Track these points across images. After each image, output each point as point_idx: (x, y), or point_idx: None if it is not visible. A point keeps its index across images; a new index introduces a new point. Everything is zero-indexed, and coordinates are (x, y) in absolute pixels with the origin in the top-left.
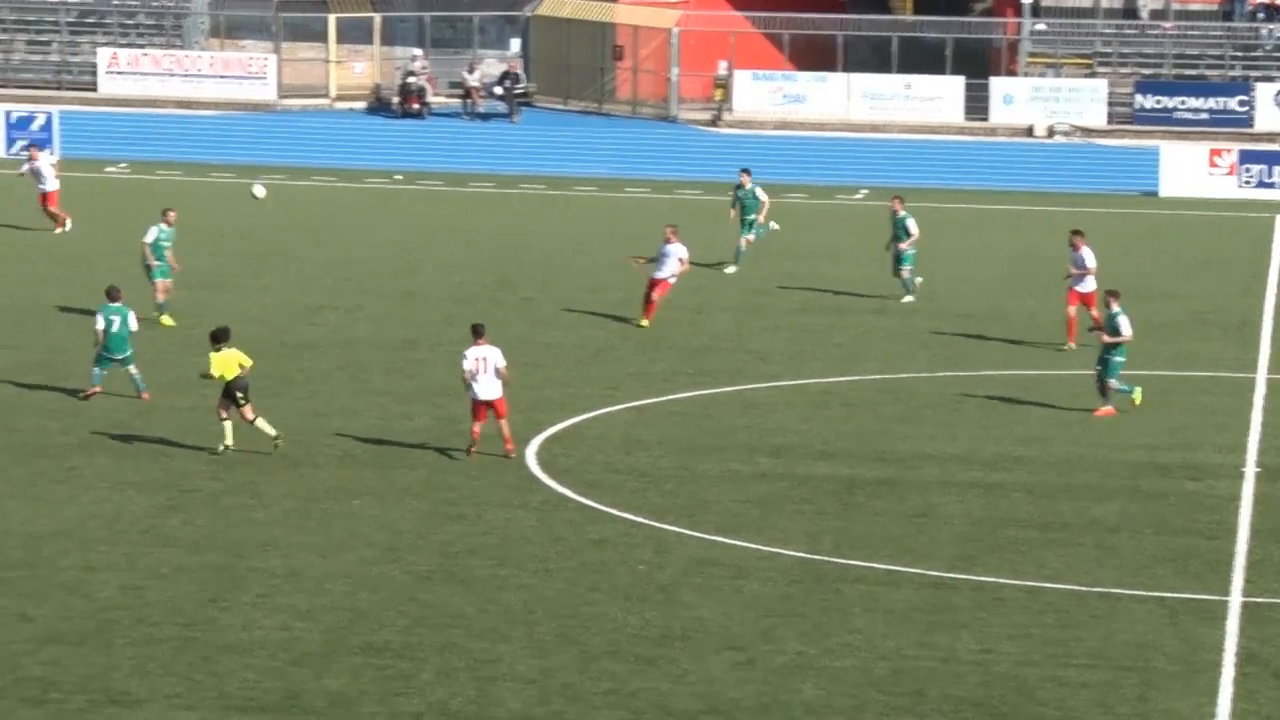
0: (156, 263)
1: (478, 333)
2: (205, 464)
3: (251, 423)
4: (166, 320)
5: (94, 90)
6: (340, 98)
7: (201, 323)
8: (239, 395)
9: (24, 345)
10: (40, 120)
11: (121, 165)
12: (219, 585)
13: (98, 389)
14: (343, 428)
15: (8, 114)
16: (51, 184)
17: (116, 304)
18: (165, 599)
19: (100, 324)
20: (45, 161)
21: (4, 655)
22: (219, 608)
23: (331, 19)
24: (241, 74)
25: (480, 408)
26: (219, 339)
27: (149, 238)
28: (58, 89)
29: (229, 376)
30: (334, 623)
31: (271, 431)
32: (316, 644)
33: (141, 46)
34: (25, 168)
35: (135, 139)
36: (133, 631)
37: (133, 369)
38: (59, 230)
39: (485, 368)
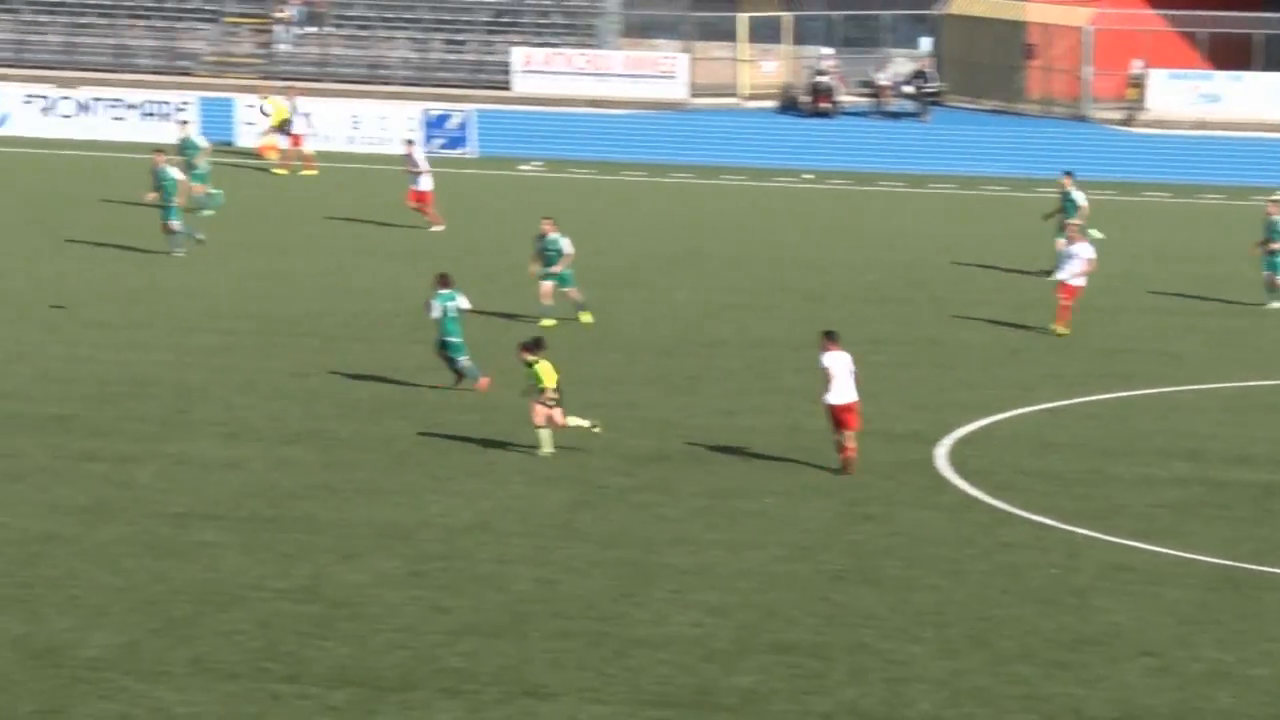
0: (542, 268)
1: (832, 338)
2: (616, 460)
3: (562, 427)
4: (585, 317)
5: (507, 89)
6: (751, 96)
7: (615, 320)
8: (552, 400)
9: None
10: (457, 119)
11: (535, 164)
12: (631, 580)
13: (482, 381)
14: (752, 425)
15: (425, 112)
16: (424, 182)
17: (448, 290)
18: (578, 593)
19: (436, 311)
20: (420, 157)
21: (422, 646)
22: (631, 603)
23: (742, 18)
24: (653, 73)
25: (840, 413)
26: (536, 348)
27: (538, 245)
28: (472, 88)
29: (551, 385)
30: (745, 620)
31: (548, 450)
32: (728, 640)
33: (555, 45)
34: (407, 155)
35: (548, 137)
36: (547, 624)
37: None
38: (437, 228)
39: (843, 373)
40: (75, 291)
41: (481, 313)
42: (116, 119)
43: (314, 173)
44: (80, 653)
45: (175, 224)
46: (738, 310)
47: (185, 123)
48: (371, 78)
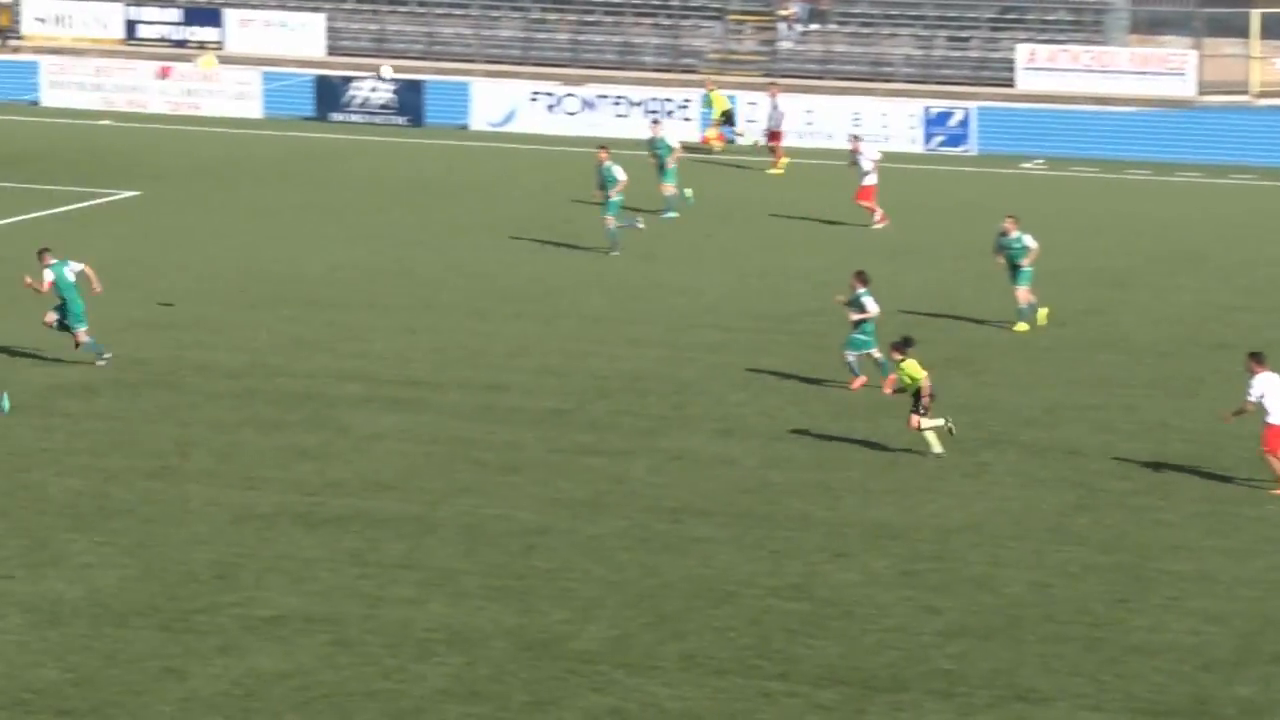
0: (1009, 264)
1: (1259, 360)
2: (1114, 464)
3: (918, 429)
4: (1020, 327)
5: (1010, 86)
6: (1262, 94)
7: (1116, 321)
8: (920, 401)
9: (938, 340)
10: (958, 116)
11: (1037, 161)
12: (1127, 586)
13: (863, 379)
14: (1256, 431)
15: (926, 110)
16: (870, 179)
17: (866, 288)
18: (1073, 597)
19: (875, 309)
20: (868, 154)
21: (913, 647)
22: (1127, 609)
23: (1255, 14)
24: (1160, 70)
25: (1275, 434)
26: (904, 348)
27: (1000, 244)
28: (974, 85)
29: (919, 383)
30: (1245, 629)
31: (937, 449)
32: (1228, 650)
33: (1061, 42)
34: (852, 150)
35: (1050, 135)
36: (1040, 629)
37: (863, 353)
38: (880, 224)
39: (1277, 395)
40: (572, 287)
41: (972, 320)
42: (620, 116)
43: (783, 166)
44: (573, 645)
45: (610, 220)
46: (1243, 313)
47: (656, 121)
48: (874, 75)
